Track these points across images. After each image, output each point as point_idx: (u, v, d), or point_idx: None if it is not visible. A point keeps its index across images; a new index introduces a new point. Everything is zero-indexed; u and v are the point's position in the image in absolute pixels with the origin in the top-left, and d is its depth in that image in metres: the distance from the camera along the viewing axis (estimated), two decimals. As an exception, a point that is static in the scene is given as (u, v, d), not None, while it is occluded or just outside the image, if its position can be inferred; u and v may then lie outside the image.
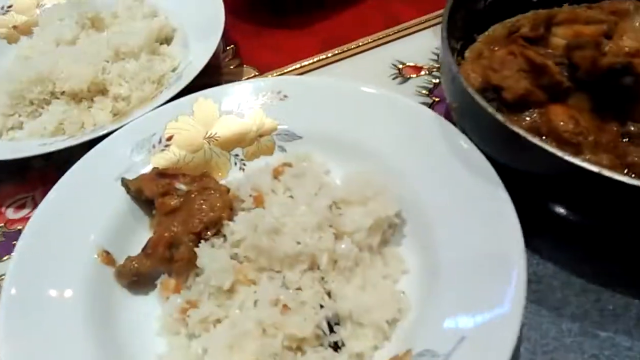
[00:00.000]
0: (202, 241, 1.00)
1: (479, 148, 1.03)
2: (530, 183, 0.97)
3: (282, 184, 1.08)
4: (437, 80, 1.46)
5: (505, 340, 0.77)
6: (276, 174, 1.11)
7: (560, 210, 0.98)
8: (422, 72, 1.50)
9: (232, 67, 1.61)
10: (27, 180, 1.34)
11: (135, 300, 1.04)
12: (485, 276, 0.86)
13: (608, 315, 0.95)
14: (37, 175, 1.35)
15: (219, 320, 0.96)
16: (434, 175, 1.05)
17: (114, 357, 0.92)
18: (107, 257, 1.04)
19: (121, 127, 1.23)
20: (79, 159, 1.17)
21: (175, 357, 0.93)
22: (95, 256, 1.04)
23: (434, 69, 1.50)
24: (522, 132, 0.87)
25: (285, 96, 1.26)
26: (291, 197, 1.05)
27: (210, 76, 1.50)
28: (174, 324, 0.98)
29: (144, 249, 1.02)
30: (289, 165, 1.12)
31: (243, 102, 1.27)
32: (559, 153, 0.83)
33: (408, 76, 1.50)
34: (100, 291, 1.01)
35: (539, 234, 1.01)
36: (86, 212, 1.09)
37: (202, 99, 1.28)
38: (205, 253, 0.98)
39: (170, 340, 0.97)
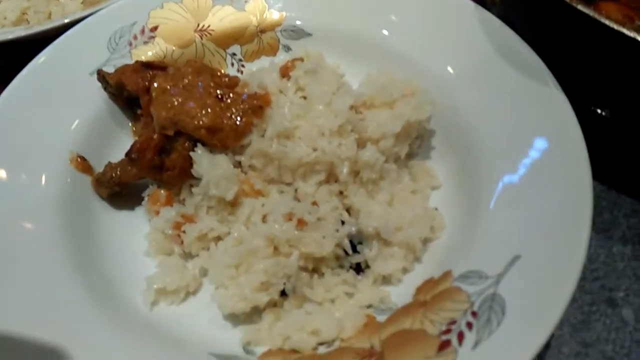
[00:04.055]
0: (199, 144, 0.82)
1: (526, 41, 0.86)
2: (584, 81, 0.82)
3: (292, 83, 0.90)
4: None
5: (570, 260, 0.65)
6: (285, 71, 0.93)
7: (607, 112, 0.84)
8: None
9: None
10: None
11: (119, 216, 0.88)
12: (543, 186, 0.72)
13: (665, 238, 0.84)
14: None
15: (220, 238, 0.81)
16: (472, 74, 0.89)
17: (96, 283, 0.77)
18: (83, 164, 0.87)
19: (95, 12, 1.02)
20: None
21: (168, 279, 0.78)
22: (68, 162, 0.86)
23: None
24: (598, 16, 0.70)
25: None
26: (304, 98, 0.88)
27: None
28: (165, 242, 0.83)
29: (127, 154, 0.84)
30: (300, 59, 0.94)
31: (242, -11, 1.06)
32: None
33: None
34: (75, 206, 0.84)
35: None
36: (53, 112, 0.90)
37: (192, -17, 1.07)
38: (203, 158, 0.81)
39: (161, 261, 0.82)
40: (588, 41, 0.76)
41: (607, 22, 0.71)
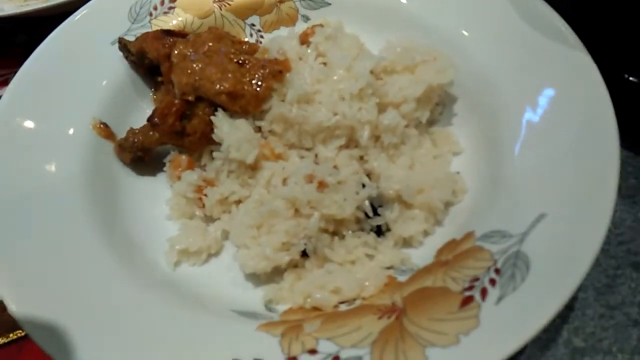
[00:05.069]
0: (219, 110, 0.83)
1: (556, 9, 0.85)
2: (610, 44, 0.80)
3: (312, 49, 0.89)
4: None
5: (596, 220, 0.63)
6: (304, 38, 0.92)
7: (635, 78, 0.82)
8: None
9: None
10: (10, 56, 1.18)
11: (141, 182, 0.89)
12: (569, 152, 0.71)
13: (693, 203, 0.82)
14: (20, 51, 1.17)
15: (240, 201, 0.82)
16: (492, 38, 0.87)
17: (119, 243, 0.78)
18: (105, 130, 0.88)
19: (115, -16, 1.03)
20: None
21: (190, 240, 0.79)
22: (90, 127, 0.87)
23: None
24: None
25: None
26: (324, 64, 0.88)
27: None
28: (187, 206, 0.84)
29: (149, 119, 0.85)
30: (320, 26, 0.93)
31: (261, -41, 1.06)
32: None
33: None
34: (99, 172, 0.85)
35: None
36: (75, 80, 0.91)
37: (212, -46, 1.07)
38: (224, 123, 0.81)
39: (183, 224, 0.83)
40: (618, 6, 0.74)
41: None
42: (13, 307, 0.66)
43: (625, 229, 0.81)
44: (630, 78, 0.84)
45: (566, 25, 0.82)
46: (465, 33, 0.91)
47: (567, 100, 0.76)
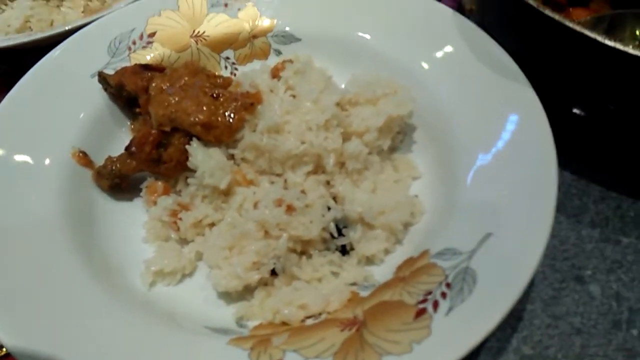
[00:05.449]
0: (194, 139, 0.88)
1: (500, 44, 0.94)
2: (556, 81, 0.89)
3: (282, 83, 0.96)
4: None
5: (536, 238, 0.71)
6: (275, 72, 0.99)
7: (580, 111, 0.91)
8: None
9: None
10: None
11: (118, 207, 0.94)
12: (514, 179, 0.78)
13: (630, 222, 0.90)
14: (2, 81, 1.19)
15: (214, 224, 0.87)
16: (450, 74, 0.95)
17: (95, 265, 0.82)
18: (84, 158, 0.93)
19: (95, 20, 1.09)
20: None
21: (165, 261, 0.83)
22: (70, 157, 0.91)
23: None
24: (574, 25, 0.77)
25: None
26: (293, 96, 0.95)
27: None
28: (162, 229, 0.88)
29: (127, 148, 0.90)
30: (290, 61, 1.00)
31: (235, -2, 1.13)
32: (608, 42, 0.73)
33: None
34: (77, 197, 0.90)
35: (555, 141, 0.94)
36: (56, 111, 0.96)
37: (188, -8, 1.14)
38: (198, 151, 0.87)
39: (159, 246, 0.87)
40: (557, 43, 0.83)
41: (570, 24, 0.78)
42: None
43: (570, 245, 0.89)
44: (575, 111, 0.92)
45: (515, 65, 0.90)
46: (425, 66, 0.99)
47: (514, 131, 0.84)
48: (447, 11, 1.03)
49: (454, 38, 0.99)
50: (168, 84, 0.91)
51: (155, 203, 0.90)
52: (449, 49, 0.98)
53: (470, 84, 0.93)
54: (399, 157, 0.97)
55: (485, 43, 0.96)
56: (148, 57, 1.07)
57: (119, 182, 0.91)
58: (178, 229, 0.87)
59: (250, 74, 0.99)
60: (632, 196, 0.93)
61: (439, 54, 0.99)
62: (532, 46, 0.91)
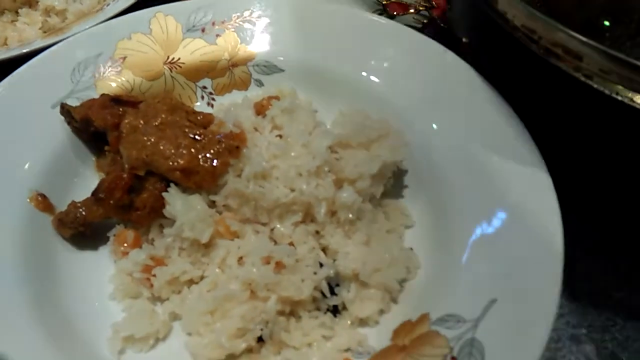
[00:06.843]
0: (172, 185, 0.80)
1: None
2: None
3: (268, 122, 0.89)
4: (427, 20, 1.31)
5: (544, 304, 0.67)
6: (260, 109, 0.92)
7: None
8: (410, 10, 1.34)
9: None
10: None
11: (82, 256, 0.84)
12: (517, 231, 0.75)
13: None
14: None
15: (192, 281, 0.79)
16: (443, 116, 0.91)
17: (57, 329, 0.72)
18: (43, 202, 0.82)
19: (57, 42, 0.98)
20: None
21: (136, 325, 0.74)
22: (27, 200, 0.81)
23: (422, 7, 1.35)
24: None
25: (264, 18, 1.06)
26: (279, 136, 0.88)
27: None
28: (132, 285, 0.79)
29: (94, 193, 0.80)
30: (276, 98, 0.93)
31: (213, 23, 1.05)
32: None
33: (393, 13, 1.33)
34: (35, 247, 0.80)
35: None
36: (11, 147, 0.85)
37: (162, 15, 1.05)
38: (177, 200, 0.78)
39: (128, 305, 0.78)
40: (548, 84, 0.80)
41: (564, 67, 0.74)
42: None
43: (563, 302, 0.86)
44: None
45: (513, 113, 0.87)
46: (416, 105, 0.94)
47: (514, 182, 0.80)
48: (439, 48, 0.99)
49: (445, 75, 0.95)
50: (142, 122, 0.82)
51: (124, 254, 0.80)
52: (438, 85, 0.94)
53: (462, 125, 0.89)
54: (390, 202, 0.91)
55: (476, 82, 0.92)
56: (116, 85, 0.97)
57: (83, 231, 0.81)
58: (151, 286, 0.78)
59: (233, 110, 0.91)
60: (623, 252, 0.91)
61: (429, 90, 0.94)
62: (523, 84, 0.88)
